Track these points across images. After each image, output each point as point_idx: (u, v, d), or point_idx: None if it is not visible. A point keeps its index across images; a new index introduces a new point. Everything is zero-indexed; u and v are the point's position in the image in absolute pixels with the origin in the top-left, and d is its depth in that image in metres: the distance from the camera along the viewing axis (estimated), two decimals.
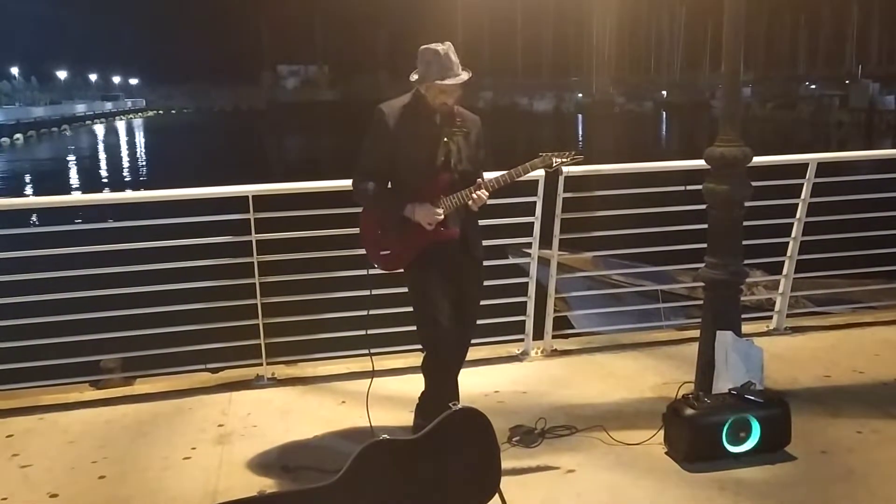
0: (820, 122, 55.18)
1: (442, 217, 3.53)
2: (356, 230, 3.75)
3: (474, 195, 3.53)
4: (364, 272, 3.78)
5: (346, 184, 3.83)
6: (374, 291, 3.82)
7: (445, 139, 3.56)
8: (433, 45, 3.53)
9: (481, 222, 3.91)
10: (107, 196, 5.04)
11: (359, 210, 3.74)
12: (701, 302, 4.31)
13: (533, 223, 4.84)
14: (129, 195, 4.88)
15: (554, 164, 3.62)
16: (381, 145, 3.58)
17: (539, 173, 4.57)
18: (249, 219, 4.49)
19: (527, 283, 5.02)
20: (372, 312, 3.85)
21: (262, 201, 4.56)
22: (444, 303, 3.60)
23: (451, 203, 3.55)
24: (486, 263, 4.65)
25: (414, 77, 3.57)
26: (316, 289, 4.77)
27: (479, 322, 4.53)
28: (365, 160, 3.63)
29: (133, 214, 4.75)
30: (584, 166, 4.83)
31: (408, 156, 3.55)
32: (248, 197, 4.48)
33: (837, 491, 3.38)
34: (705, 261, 4.09)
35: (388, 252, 3.62)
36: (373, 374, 3.93)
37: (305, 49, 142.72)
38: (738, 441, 3.59)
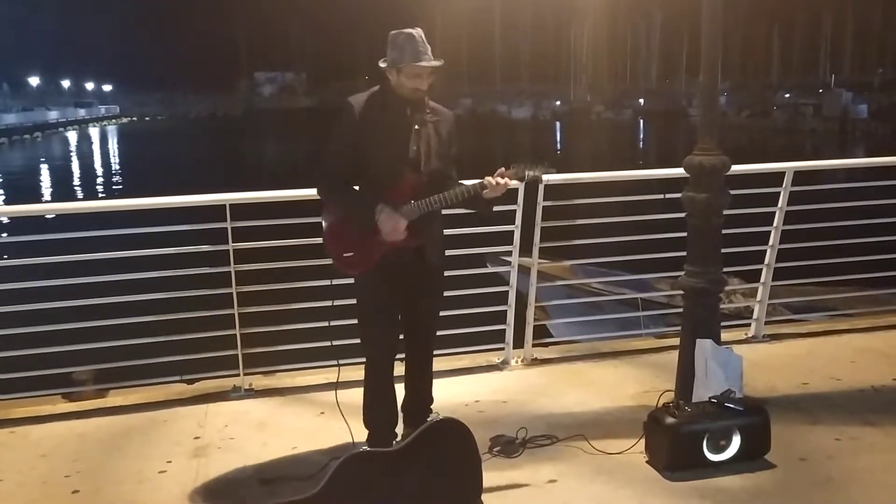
0: (794, 130, 55.82)
1: (405, 236, 3.40)
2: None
3: (495, 180, 3.36)
4: (330, 283, 3.75)
5: None
6: (345, 301, 3.72)
7: (417, 127, 3.43)
8: (406, 29, 3.42)
9: (460, 231, 3.88)
10: (80, 205, 4.94)
11: None
12: (680, 310, 4.32)
13: (513, 231, 4.83)
14: (103, 203, 4.78)
15: (526, 178, 3.48)
16: (347, 139, 3.41)
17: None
18: (226, 228, 4.44)
19: (506, 291, 5.01)
20: (343, 322, 3.81)
21: (239, 210, 4.51)
22: (389, 310, 3.55)
23: (421, 207, 3.40)
24: (465, 273, 4.67)
25: (383, 63, 3.44)
26: (294, 298, 4.71)
27: (458, 331, 4.51)
28: (330, 155, 3.46)
29: (107, 223, 4.68)
30: (565, 174, 4.84)
31: (376, 148, 3.38)
32: (225, 205, 4.43)
33: (817, 498, 3.39)
34: (684, 269, 4.10)
35: (352, 254, 3.46)
36: (337, 385, 3.82)
37: (282, 56, 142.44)
38: (718, 449, 3.59)
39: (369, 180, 3.45)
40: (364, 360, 3.67)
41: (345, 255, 3.48)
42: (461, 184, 3.50)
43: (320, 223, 4.21)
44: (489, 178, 3.40)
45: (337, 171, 3.46)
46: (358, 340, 3.67)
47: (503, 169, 3.44)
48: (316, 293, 4.59)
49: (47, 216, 6.66)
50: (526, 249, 4.91)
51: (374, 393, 3.64)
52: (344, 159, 3.44)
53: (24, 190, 32.98)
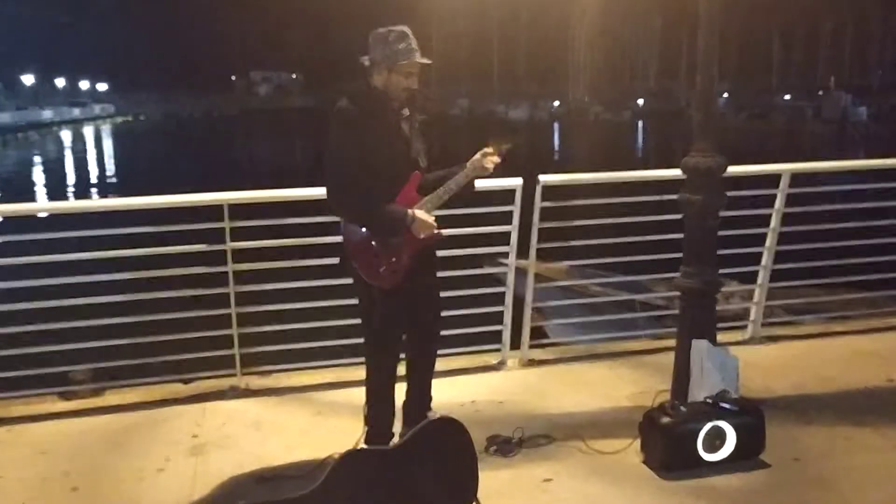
0: (794, 132, 55.85)
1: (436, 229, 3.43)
2: (332, 239, 3.65)
3: (491, 162, 3.44)
4: (344, 281, 3.73)
5: (324, 192, 3.78)
6: (343, 301, 3.73)
7: (413, 125, 3.47)
8: (395, 27, 3.37)
9: (456, 231, 3.88)
10: (79, 204, 4.95)
11: (334, 219, 3.59)
12: (675, 311, 4.35)
13: (510, 232, 4.84)
14: (102, 203, 4.80)
15: (504, 152, 3.53)
16: (358, 148, 3.30)
17: (518, 182, 4.64)
18: (225, 227, 4.45)
19: (503, 292, 5.02)
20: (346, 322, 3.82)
21: (237, 209, 4.52)
22: (406, 320, 3.57)
23: (434, 202, 3.44)
24: (462, 273, 4.70)
25: (368, 62, 3.38)
26: (290, 298, 4.73)
27: (455, 332, 4.53)
28: (348, 170, 3.30)
29: (105, 222, 4.69)
30: (563, 175, 4.87)
31: (382, 153, 3.34)
32: (223, 205, 4.44)
33: (810, 497, 3.42)
34: (681, 270, 4.12)
35: (385, 267, 3.40)
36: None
37: (278, 55, 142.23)
38: (713, 449, 3.61)
39: (377, 185, 3.35)
40: (364, 359, 3.69)
41: (381, 270, 3.40)
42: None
43: (317, 223, 4.25)
44: (488, 162, 3.47)
45: (360, 186, 3.31)
46: (355, 340, 3.68)
47: (488, 150, 3.50)
48: (312, 293, 4.62)
49: (43, 215, 6.65)
50: (523, 251, 4.93)
51: (378, 393, 3.64)
52: (361, 170, 3.31)
53: (19, 189, 32.92)
